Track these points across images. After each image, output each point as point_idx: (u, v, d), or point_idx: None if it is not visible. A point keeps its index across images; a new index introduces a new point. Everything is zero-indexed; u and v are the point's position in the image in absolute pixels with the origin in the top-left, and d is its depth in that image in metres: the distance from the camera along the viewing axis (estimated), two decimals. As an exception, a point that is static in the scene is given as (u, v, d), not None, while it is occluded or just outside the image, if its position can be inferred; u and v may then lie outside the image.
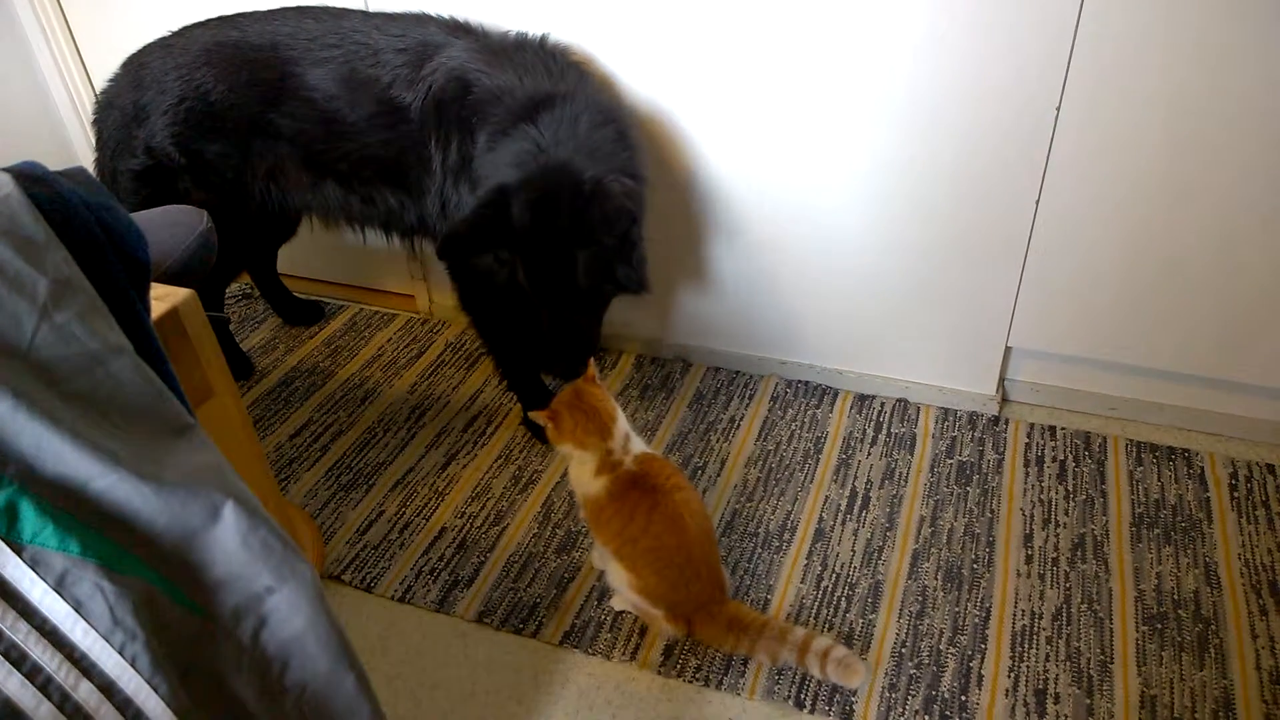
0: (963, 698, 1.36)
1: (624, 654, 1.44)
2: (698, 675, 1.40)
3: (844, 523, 1.66)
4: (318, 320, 2.27)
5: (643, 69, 1.72)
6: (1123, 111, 1.48)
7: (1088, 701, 1.34)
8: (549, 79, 1.55)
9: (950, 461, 1.77)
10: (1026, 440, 1.81)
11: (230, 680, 0.69)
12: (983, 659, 1.41)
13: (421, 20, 1.66)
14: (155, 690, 0.62)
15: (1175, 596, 1.48)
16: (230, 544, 0.70)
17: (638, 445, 1.45)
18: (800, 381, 1.99)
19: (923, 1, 1.48)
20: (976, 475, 1.74)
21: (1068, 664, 1.39)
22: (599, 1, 1.67)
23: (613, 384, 2.02)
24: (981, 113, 1.55)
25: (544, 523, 1.68)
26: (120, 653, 0.61)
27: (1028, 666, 1.39)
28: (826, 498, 1.71)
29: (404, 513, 1.71)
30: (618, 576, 1.42)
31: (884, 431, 1.86)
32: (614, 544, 1.39)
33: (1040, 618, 1.46)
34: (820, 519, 1.67)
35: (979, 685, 1.37)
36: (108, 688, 0.61)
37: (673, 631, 1.42)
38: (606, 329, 2.08)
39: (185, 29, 1.71)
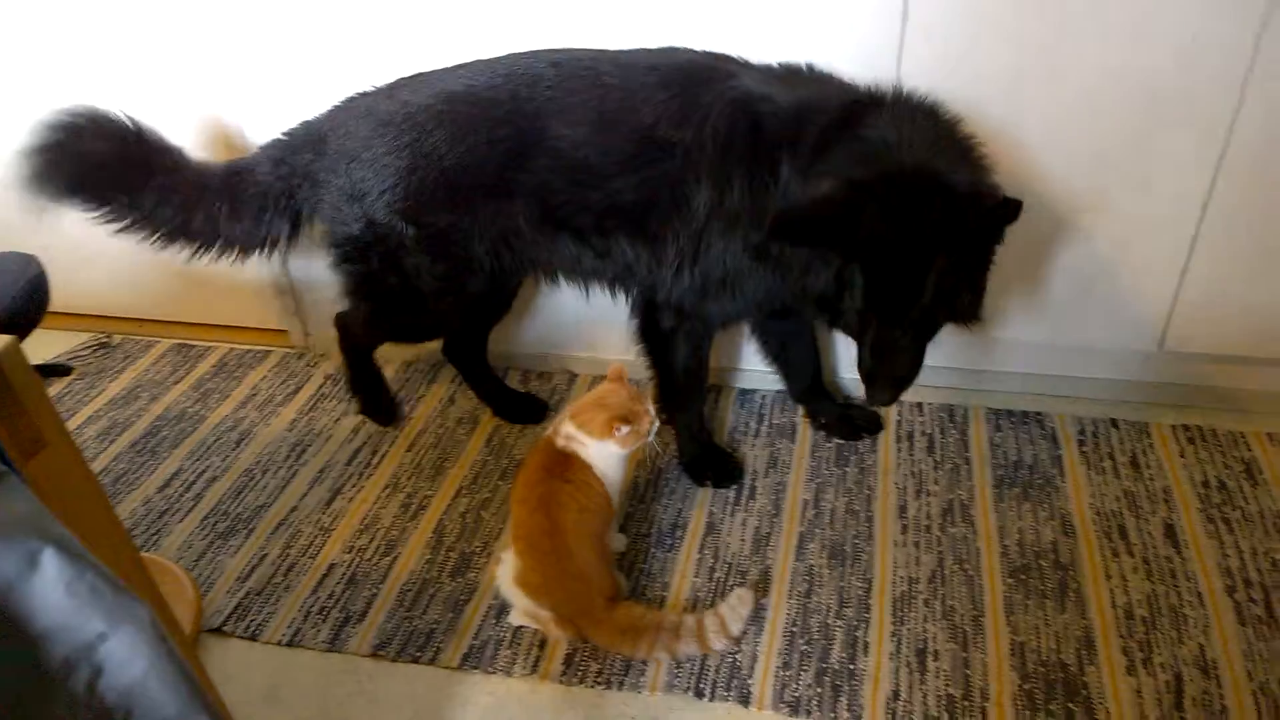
0: (851, 666, 1.42)
1: (525, 668, 1.45)
2: (599, 679, 1.42)
3: (733, 514, 1.71)
4: (542, 417, 1.98)
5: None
6: (960, 80, 1.58)
7: (964, 655, 1.42)
8: (847, 87, 1.41)
9: (829, 445, 1.85)
10: (897, 418, 1.90)
11: None
12: (867, 627, 1.48)
13: (673, 53, 1.51)
14: None
15: (1036, 548, 1.59)
16: (53, 592, 0.67)
17: (575, 447, 1.49)
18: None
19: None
20: (854, 455, 1.82)
21: (944, 622, 1.47)
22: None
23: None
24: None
25: (437, 548, 1.67)
26: None
27: (908, 629, 1.47)
28: (715, 492, 1.76)
29: (288, 554, 1.68)
30: (509, 565, 1.47)
31: (766, 423, 1.92)
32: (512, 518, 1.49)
33: (917, 582, 1.54)
34: (710, 513, 1.71)
35: (865, 652, 1.44)
36: None
37: (561, 635, 1.45)
38: (493, 350, 2.09)
39: (399, 89, 1.55)
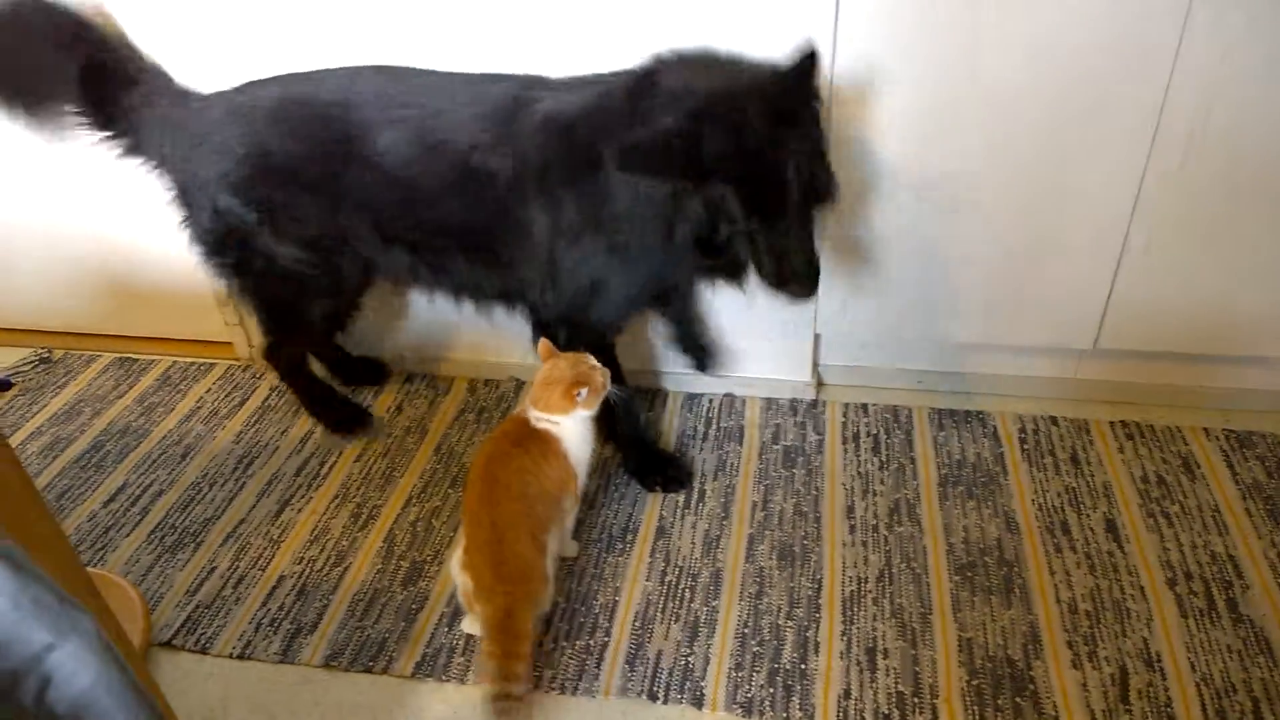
0: (802, 666, 1.44)
1: (479, 676, 1.45)
2: (553, 685, 1.43)
3: (683, 517, 1.72)
4: (382, 380, 2.10)
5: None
6: (894, 88, 1.61)
7: (913, 652, 1.45)
8: (632, 72, 1.45)
9: (776, 447, 1.87)
10: (843, 419, 1.93)
11: None
12: (818, 627, 1.50)
13: (496, 79, 1.55)
14: None
15: (981, 545, 1.62)
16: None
17: (549, 426, 1.52)
18: (631, 387, 2.05)
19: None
20: (801, 457, 1.84)
21: (893, 620, 1.50)
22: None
23: (448, 409, 2.02)
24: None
25: (388, 557, 1.67)
26: None
27: (858, 628, 1.49)
28: (665, 496, 1.77)
29: (237, 566, 1.66)
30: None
31: (714, 426, 1.94)
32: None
33: (866, 581, 1.57)
34: (661, 517, 1.73)
35: (816, 652, 1.46)
36: None
37: (475, 611, 1.42)
38: (441, 359, 2.09)
39: (249, 88, 1.60)
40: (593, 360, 1.56)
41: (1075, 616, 1.49)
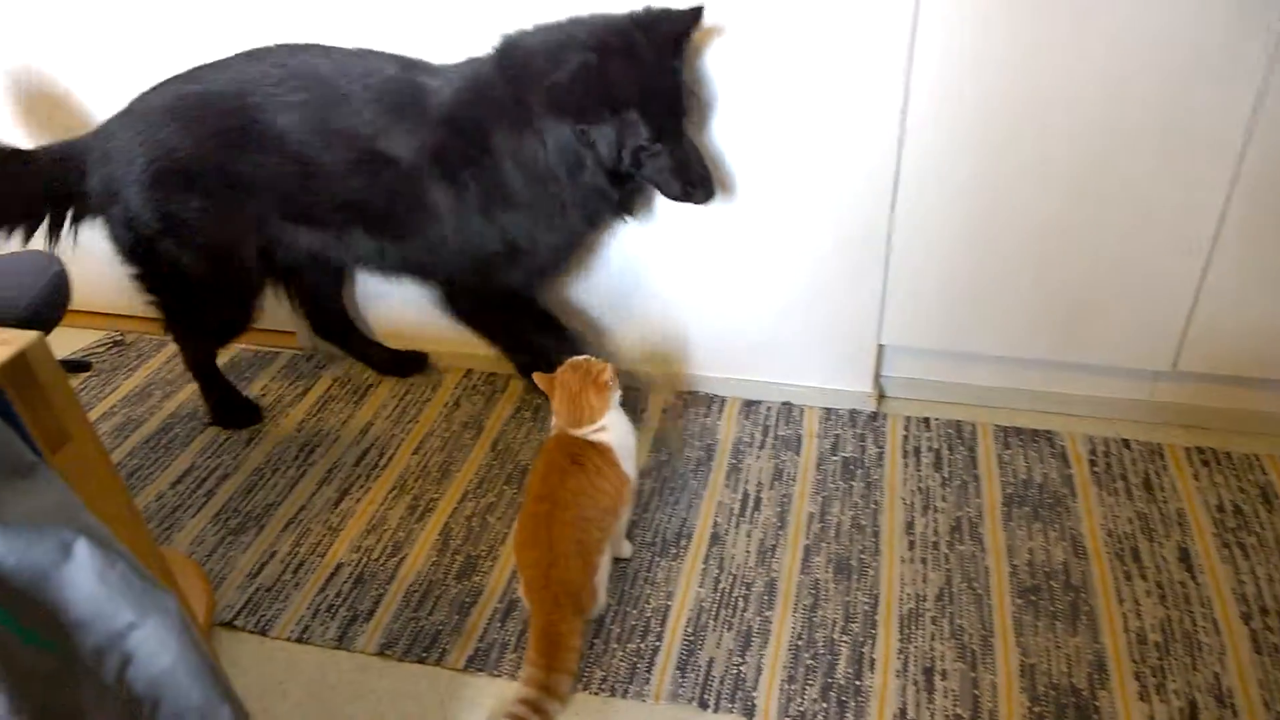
0: (857, 682, 1.41)
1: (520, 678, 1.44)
2: (603, 686, 1.42)
3: (738, 525, 1.71)
4: (421, 368, 2.13)
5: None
6: (966, 113, 1.58)
7: (973, 675, 1.41)
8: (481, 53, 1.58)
9: (835, 459, 1.84)
10: (904, 433, 1.90)
11: None
12: (874, 643, 1.47)
13: (381, 63, 1.62)
14: None
15: (1047, 569, 1.58)
16: (86, 582, 0.68)
17: (600, 435, 1.53)
18: (689, 392, 2.04)
19: (756, 7, 1.55)
20: (860, 470, 1.81)
21: (952, 641, 1.47)
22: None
23: (504, 407, 2.02)
24: (833, 119, 1.63)
25: (443, 550, 1.68)
26: None
27: (915, 647, 1.46)
28: (720, 502, 1.76)
29: (297, 552, 1.68)
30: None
31: (771, 435, 1.92)
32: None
33: (925, 600, 1.54)
34: (715, 523, 1.71)
35: (871, 669, 1.43)
36: None
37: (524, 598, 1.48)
38: (492, 354, 2.10)
39: (142, 95, 1.66)
40: (576, 356, 1.59)
41: (1144, 647, 1.44)
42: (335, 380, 2.14)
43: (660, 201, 1.80)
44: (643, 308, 1.96)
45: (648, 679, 1.43)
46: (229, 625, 1.55)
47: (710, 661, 1.46)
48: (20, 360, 0.79)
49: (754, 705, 1.39)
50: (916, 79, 1.56)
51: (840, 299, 1.83)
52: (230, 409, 2.01)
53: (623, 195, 1.63)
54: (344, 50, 1.64)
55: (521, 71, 1.51)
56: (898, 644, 1.47)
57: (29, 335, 0.82)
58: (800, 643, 1.48)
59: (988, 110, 1.57)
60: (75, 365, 2.18)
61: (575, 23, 1.52)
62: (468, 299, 1.78)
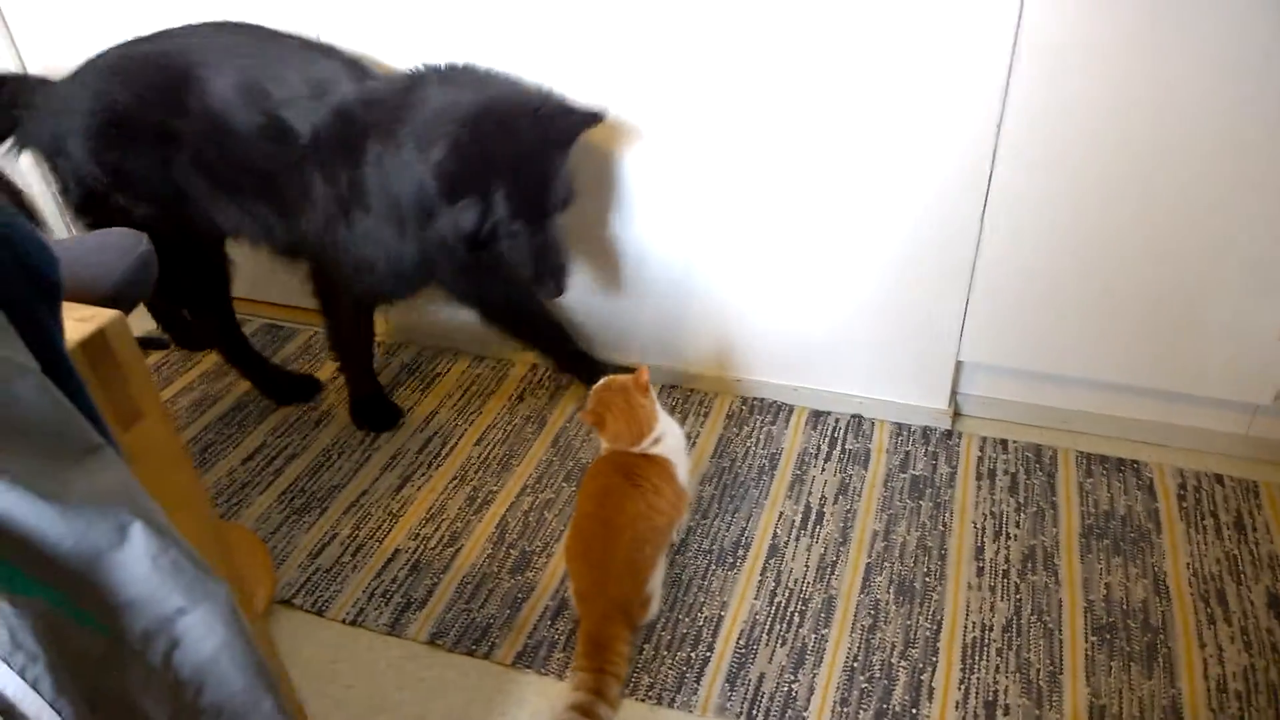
0: (914, 710, 1.36)
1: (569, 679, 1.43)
2: (650, 693, 1.40)
3: (798, 538, 1.66)
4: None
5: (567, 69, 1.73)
6: (1063, 127, 1.51)
7: (1037, 713, 1.35)
8: (414, 70, 1.60)
9: (904, 476, 1.79)
10: (979, 454, 1.83)
11: (140, 703, 0.67)
12: (933, 671, 1.41)
13: (329, 53, 1.67)
14: (59, 714, 0.61)
15: (1124, 606, 1.50)
16: (139, 565, 0.68)
17: (659, 448, 1.52)
18: (756, 399, 2.00)
19: (859, 15, 1.50)
20: (929, 489, 1.75)
21: (1017, 675, 1.40)
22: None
23: (567, 403, 2.02)
24: (923, 133, 1.58)
25: (498, 543, 1.67)
26: (21, 675, 0.60)
27: (978, 678, 1.40)
28: (781, 514, 1.71)
29: (357, 535, 1.70)
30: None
31: (839, 447, 1.87)
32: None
33: (990, 629, 1.47)
34: (775, 535, 1.67)
35: (929, 698, 1.38)
36: (8, 711, 0.59)
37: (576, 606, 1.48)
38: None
39: (92, 57, 1.69)
40: (607, 374, 1.60)
41: (1224, 696, 1.36)
42: (404, 367, 2.16)
43: (730, 196, 1.76)
44: (707, 309, 1.92)
45: (696, 689, 1.40)
46: (287, 603, 1.57)
47: (761, 677, 1.42)
48: (99, 338, 0.81)
49: (804, 725, 1.35)
50: (1017, 77, 1.49)
51: (919, 309, 1.77)
52: (277, 385, 2.05)
53: (481, 259, 1.61)
54: (303, 40, 1.68)
55: (408, 110, 1.52)
56: (959, 674, 1.41)
57: (108, 314, 0.84)
58: (856, 664, 1.43)
59: (1091, 119, 1.49)
60: (153, 343, 2.24)
61: (479, 83, 1.55)
62: (326, 291, 1.81)
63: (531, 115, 1.50)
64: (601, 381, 1.57)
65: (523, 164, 1.50)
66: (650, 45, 1.64)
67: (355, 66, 1.65)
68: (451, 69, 1.59)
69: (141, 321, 2.25)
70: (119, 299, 1.10)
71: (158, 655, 0.70)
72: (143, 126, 1.64)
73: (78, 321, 0.82)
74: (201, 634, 0.71)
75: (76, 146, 1.65)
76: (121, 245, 1.13)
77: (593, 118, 1.57)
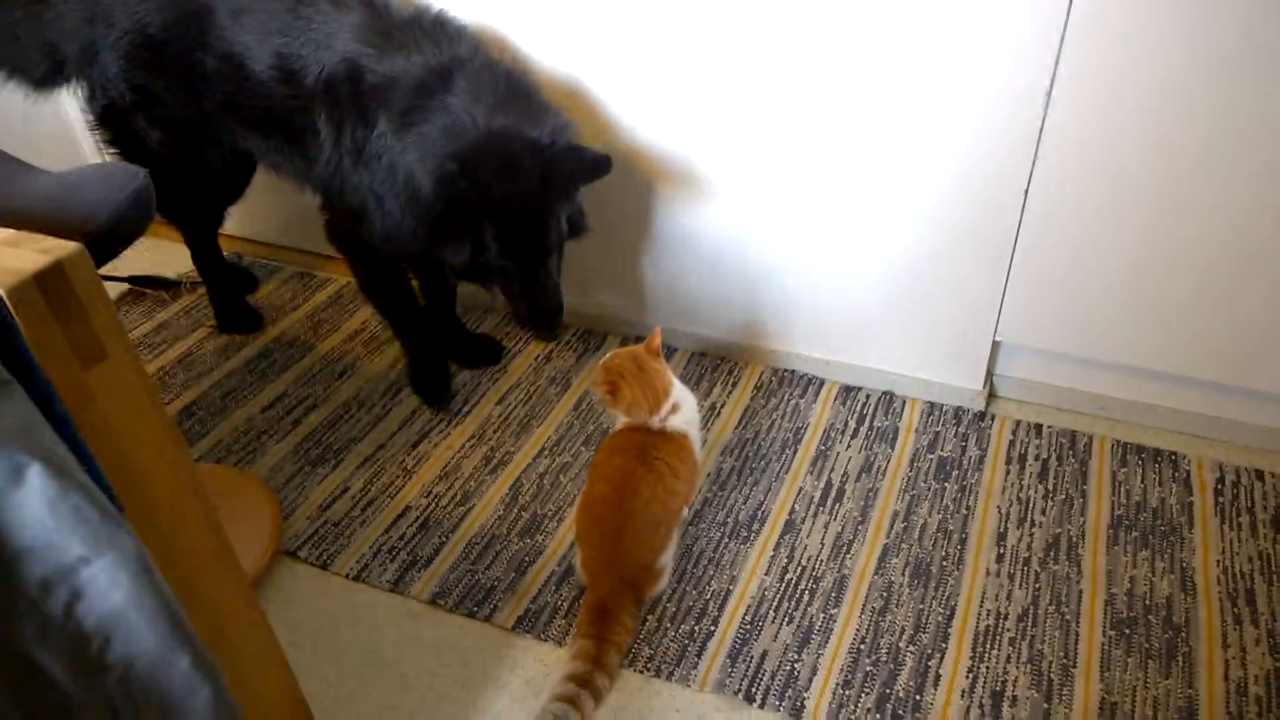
0: (917, 697, 1.33)
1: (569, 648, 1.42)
2: (649, 665, 1.38)
3: (816, 515, 1.63)
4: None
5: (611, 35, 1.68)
6: (1115, 103, 1.43)
7: (1045, 706, 1.31)
8: (440, 50, 1.52)
9: (931, 456, 1.73)
10: (1011, 437, 1.77)
11: (35, 655, 0.66)
12: (942, 658, 1.38)
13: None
14: None
15: (1147, 601, 1.44)
16: (36, 509, 0.66)
17: (676, 421, 1.47)
18: (786, 370, 1.96)
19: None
20: (956, 471, 1.70)
21: (1029, 666, 1.36)
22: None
23: (594, 365, 1.99)
24: (969, 99, 1.50)
25: (510, 505, 1.66)
26: None
27: (987, 667, 1.36)
28: (800, 489, 1.68)
29: (369, 490, 1.70)
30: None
31: (866, 424, 1.82)
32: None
33: (1005, 618, 1.43)
34: (792, 510, 1.64)
35: (935, 685, 1.34)
36: None
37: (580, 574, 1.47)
38: (590, 312, 2.06)
39: None
40: (614, 351, 1.54)
41: (1243, 699, 1.30)
42: (431, 323, 2.14)
43: (769, 164, 1.71)
44: (741, 276, 1.88)
45: (696, 664, 1.38)
46: (293, 555, 1.58)
47: (764, 654, 1.39)
48: (55, 271, 0.78)
49: (803, 706, 1.32)
50: (1066, 60, 1.41)
51: (957, 286, 1.71)
52: (230, 314, 2.11)
53: (480, 276, 1.56)
54: None
55: (421, 112, 1.47)
56: (968, 662, 1.37)
57: (68, 246, 0.81)
58: (863, 646, 1.40)
59: (1146, 94, 1.41)
60: (159, 282, 2.25)
61: (501, 96, 1.47)
62: (348, 245, 1.76)
63: (537, 155, 1.44)
64: (609, 355, 1.52)
65: (520, 206, 1.45)
66: (687, 18, 1.58)
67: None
68: (479, 62, 1.51)
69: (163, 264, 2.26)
70: (112, 233, 1.09)
71: (58, 606, 0.68)
72: (171, 54, 1.63)
73: (35, 253, 0.79)
74: (106, 586, 0.69)
75: (109, 60, 1.65)
76: (116, 179, 1.11)
77: (600, 167, 1.49)
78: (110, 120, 1.73)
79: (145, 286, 2.26)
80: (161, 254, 2.34)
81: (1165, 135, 1.43)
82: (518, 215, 1.45)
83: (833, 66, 1.56)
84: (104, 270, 1.69)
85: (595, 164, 1.49)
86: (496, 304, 2.07)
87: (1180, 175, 1.46)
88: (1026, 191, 1.56)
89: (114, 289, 2.27)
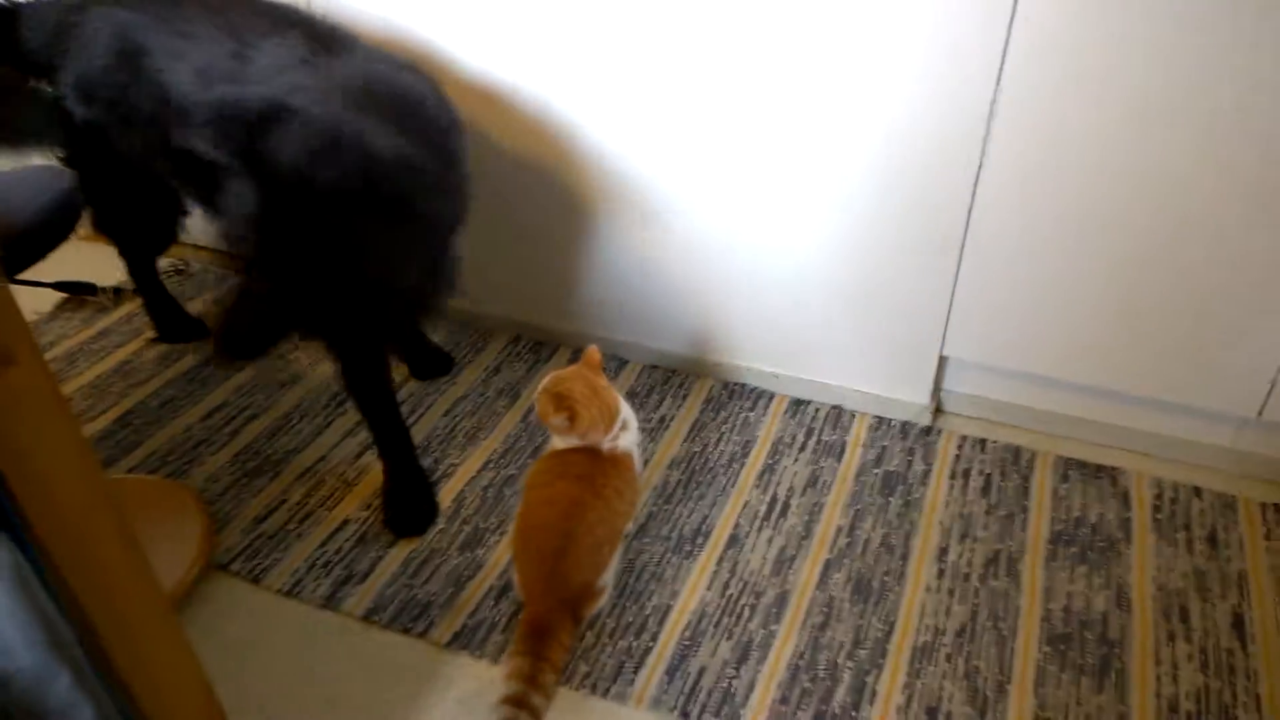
0: (854, 713, 1.32)
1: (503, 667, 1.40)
2: (585, 682, 1.37)
3: (760, 529, 1.62)
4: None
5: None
6: (1058, 123, 1.44)
7: (980, 723, 1.31)
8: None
9: (877, 471, 1.74)
10: (956, 453, 1.77)
11: None
12: (879, 674, 1.37)
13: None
14: None
15: (1083, 617, 1.45)
16: None
17: (625, 441, 1.46)
18: (736, 384, 1.96)
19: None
20: (901, 486, 1.70)
21: (964, 682, 1.36)
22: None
23: (544, 377, 1.97)
24: (913, 108, 1.51)
25: (452, 518, 1.64)
26: None
27: (923, 683, 1.36)
28: (746, 503, 1.67)
29: (307, 503, 1.67)
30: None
31: (814, 438, 1.82)
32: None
33: (943, 634, 1.43)
34: (737, 525, 1.63)
35: (871, 701, 1.34)
36: None
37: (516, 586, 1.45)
38: (540, 324, 2.05)
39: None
40: (554, 375, 1.48)
41: (1175, 715, 1.31)
42: (378, 333, 2.12)
43: (716, 174, 1.71)
44: (690, 289, 1.87)
45: (633, 680, 1.37)
46: (224, 569, 1.54)
47: (702, 670, 1.38)
48: None
49: (739, 723, 1.31)
50: (1010, 67, 1.42)
51: (904, 301, 1.72)
52: (170, 324, 2.08)
53: None
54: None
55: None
56: (905, 678, 1.37)
57: None
58: (801, 663, 1.39)
59: (1085, 109, 1.42)
60: (79, 287, 2.21)
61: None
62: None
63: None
64: (548, 379, 1.47)
65: None
66: (639, 35, 1.58)
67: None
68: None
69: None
70: (40, 232, 1.07)
71: None
72: (112, 88, 1.54)
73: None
74: None
75: (74, 86, 1.57)
76: (43, 180, 1.09)
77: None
78: (71, 141, 1.67)
79: (70, 292, 2.21)
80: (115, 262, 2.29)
81: (1105, 154, 1.45)
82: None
83: (778, 83, 1.56)
84: (30, 274, 1.66)
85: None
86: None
87: (1119, 195, 1.48)
88: (970, 208, 1.57)
89: (54, 295, 2.23)
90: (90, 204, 1.80)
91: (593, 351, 1.49)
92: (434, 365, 1.99)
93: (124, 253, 1.97)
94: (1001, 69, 1.43)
